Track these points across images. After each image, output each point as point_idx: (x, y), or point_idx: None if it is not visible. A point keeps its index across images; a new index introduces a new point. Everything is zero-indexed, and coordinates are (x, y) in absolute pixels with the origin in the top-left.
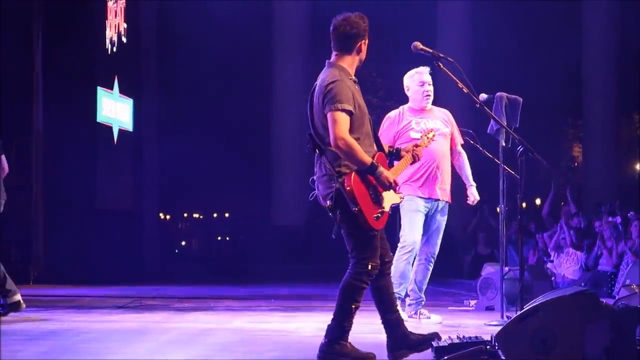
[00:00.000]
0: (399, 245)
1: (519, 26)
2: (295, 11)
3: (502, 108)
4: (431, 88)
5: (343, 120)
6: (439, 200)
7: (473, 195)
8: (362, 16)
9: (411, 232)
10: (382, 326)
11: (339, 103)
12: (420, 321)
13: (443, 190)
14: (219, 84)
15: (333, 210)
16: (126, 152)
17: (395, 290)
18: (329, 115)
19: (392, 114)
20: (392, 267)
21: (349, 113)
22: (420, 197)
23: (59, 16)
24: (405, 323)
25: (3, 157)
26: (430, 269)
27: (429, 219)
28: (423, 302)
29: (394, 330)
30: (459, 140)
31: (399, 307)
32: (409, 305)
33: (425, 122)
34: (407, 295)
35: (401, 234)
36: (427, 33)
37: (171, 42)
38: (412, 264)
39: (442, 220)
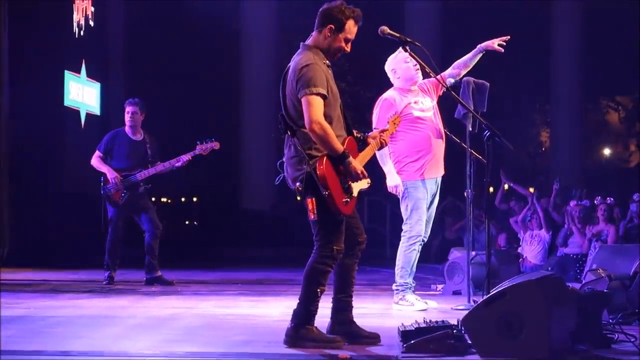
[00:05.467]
0: (406, 235)
1: (486, 12)
2: None
3: (469, 92)
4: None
5: (318, 104)
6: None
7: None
8: (352, 10)
9: (419, 221)
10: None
11: (314, 87)
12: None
13: (442, 166)
14: (187, 68)
15: (302, 193)
16: (93, 136)
17: (404, 281)
18: (303, 99)
19: (389, 96)
20: (402, 258)
21: (323, 97)
22: (425, 180)
23: None
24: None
25: None
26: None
27: (428, 202)
28: (413, 287)
29: (340, 313)
30: (441, 82)
31: (353, 294)
32: (402, 291)
33: (421, 100)
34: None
35: (407, 222)
36: (394, 18)
37: (139, 26)
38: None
39: (437, 199)
